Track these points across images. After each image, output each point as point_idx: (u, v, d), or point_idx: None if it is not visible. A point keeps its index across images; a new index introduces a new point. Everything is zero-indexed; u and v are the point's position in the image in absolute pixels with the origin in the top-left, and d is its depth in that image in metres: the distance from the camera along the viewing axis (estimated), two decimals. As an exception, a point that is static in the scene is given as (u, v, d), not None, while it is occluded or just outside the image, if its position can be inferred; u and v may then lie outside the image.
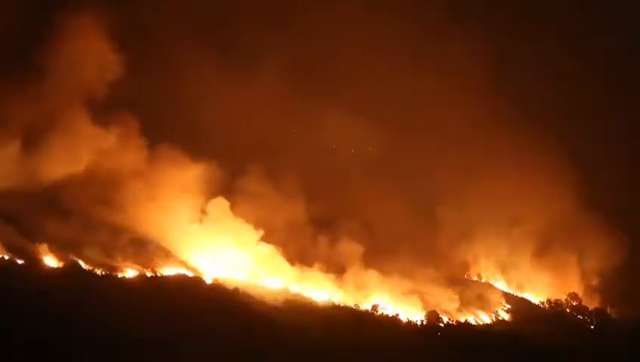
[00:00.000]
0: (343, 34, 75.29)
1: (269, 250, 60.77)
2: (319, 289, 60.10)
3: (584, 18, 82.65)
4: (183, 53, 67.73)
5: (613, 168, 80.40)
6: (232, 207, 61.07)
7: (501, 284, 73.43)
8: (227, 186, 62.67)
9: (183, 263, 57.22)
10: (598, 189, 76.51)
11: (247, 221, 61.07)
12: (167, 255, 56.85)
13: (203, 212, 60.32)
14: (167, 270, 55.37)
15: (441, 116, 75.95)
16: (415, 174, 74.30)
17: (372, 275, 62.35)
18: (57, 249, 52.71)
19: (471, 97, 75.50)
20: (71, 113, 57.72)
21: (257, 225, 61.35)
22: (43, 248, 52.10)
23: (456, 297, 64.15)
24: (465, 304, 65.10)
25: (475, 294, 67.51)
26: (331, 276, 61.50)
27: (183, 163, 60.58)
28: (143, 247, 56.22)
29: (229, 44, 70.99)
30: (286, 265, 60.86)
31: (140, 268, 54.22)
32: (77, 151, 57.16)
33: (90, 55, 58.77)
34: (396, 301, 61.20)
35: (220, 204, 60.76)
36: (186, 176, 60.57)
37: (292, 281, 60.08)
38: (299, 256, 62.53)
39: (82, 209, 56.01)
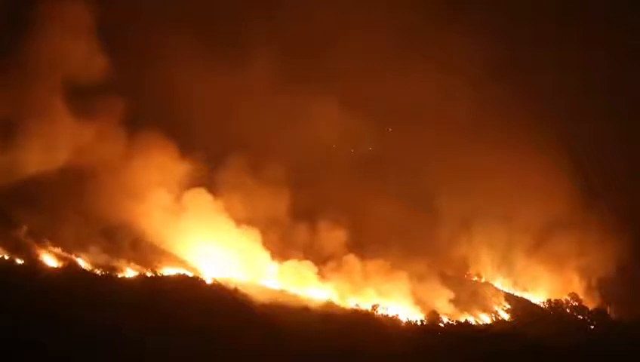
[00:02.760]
0: (337, 24, 74.41)
1: (254, 244, 60.44)
2: (305, 284, 59.95)
3: (584, 17, 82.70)
4: (168, 43, 66.51)
5: (615, 166, 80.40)
6: (216, 199, 60.47)
7: (501, 284, 73.40)
8: (215, 179, 62.28)
9: (183, 263, 57.11)
10: (599, 188, 76.58)
11: (232, 214, 60.62)
12: (139, 245, 56.14)
13: (184, 204, 59.65)
14: (167, 270, 55.26)
15: (439, 111, 75.65)
16: (412, 170, 74.15)
17: (368, 272, 62.29)
18: (53, 248, 52.66)
19: (470, 92, 75.41)
20: (51, 104, 56.59)
21: (242, 218, 60.87)
22: (41, 248, 51.98)
23: (454, 296, 64.13)
24: (465, 304, 65.07)
25: (474, 294, 67.50)
26: (324, 271, 61.40)
27: (167, 153, 59.82)
28: (115, 236, 55.66)
29: (217, 34, 70.19)
30: (269, 258, 60.68)
31: (140, 268, 54.12)
32: (56, 144, 55.89)
33: (72, 45, 57.42)
34: (396, 300, 61.19)
35: (201, 195, 60.12)
36: (168, 167, 59.83)
37: (276, 276, 60.05)
38: (290, 251, 62.34)
39: (58, 203, 55.22)
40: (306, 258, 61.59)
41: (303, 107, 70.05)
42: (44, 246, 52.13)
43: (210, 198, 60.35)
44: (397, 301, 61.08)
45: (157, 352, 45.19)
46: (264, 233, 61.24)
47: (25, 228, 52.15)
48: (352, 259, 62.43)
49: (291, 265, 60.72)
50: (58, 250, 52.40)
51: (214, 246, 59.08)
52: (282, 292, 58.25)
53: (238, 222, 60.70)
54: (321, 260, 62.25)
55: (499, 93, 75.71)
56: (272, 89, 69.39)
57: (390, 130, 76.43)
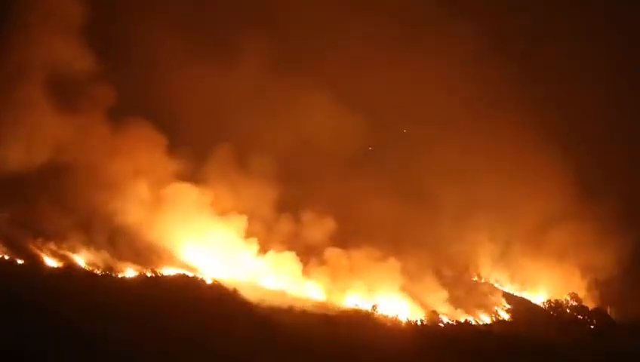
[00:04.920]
0: (330, 14, 73.49)
1: (241, 238, 60.23)
2: (294, 278, 59.92)
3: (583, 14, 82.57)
4: (153, 33, 65.36)
5: (617, 165, 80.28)
6: (203, 193, 60.08)
7: (501, 284, 73.40)
8: (202, 172, 61.89)
9: (183, 263, 57.06)
10: (600, 186, 76.46)
11: (219, 208, 60.20)
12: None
13: (172, 198, 59.06)
14: (167, 270, 55.20)
15: (435, 104, 75.25)
16: (407, 164, 73.87)
17: (359, 262, 62.22)
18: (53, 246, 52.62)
19: (467, 85, 75.25)
20: (35, 98, 55.49)
21: (229, 212, 60.45)
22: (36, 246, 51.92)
23: (454, 296, 64.14)
24: (464, 304, 65.10)
25: (474, 294, 67.52)
26: (314, 264, 61.36)
27: (154, 147, 59.17)
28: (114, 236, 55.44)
29: (205, 24, 69.56)
30: (255, 253, 60.51)
31: (140, 268, 54.08)
32: (41, 139, 54.78)
33: (55, 38, 56.33)
34: (388, 293, 61.20)
35: (188, 190, 59.59)
36: (155, 161, 59.18)
37: (263, 270, 59.91)
38: (278, 245, 62.22)
39: (48, 200, 54.82)
40: (298, 254, 61.29)
41: (293, 99, 69.32)
42: (39, 245, 52.11)
43: (197, 192, 59.85)
44: (390, 293, 61.04)
45: (156, 352, 45.20)
46: (252, 227, 60.93)
47: (7, 216, 52.04)
48: (341, 253, 62.34)
49: (279, 258, 60.58)
50: (53, 248, 52.37)
51: (203, 243, 58.90)
52: (280, 292, 58.21)
53: (226, 216, 60.27)
54: (314, 254, 62.16)
55: (497, 86, 75.63)
56: (262, 81, 68.89)
57: (405, 130, 76.24)
